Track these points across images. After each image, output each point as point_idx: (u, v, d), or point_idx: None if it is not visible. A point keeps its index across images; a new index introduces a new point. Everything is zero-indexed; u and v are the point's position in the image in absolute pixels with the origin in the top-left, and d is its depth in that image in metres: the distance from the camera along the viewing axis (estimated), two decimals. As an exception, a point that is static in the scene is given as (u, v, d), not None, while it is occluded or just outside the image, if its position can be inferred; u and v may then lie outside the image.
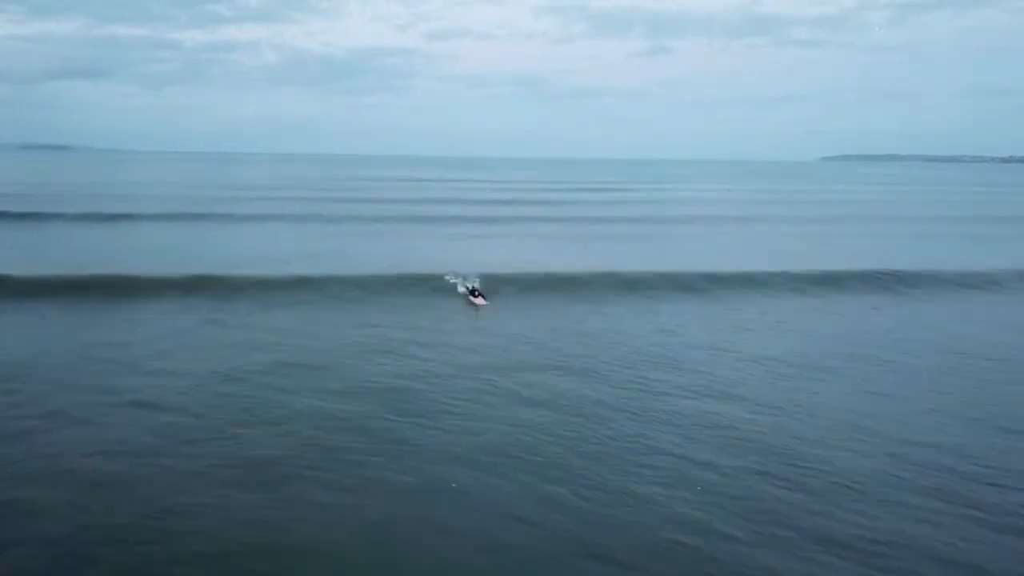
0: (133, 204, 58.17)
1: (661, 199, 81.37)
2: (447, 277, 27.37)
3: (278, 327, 21.21)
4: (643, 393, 15.77)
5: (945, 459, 12.59)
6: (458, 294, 25.94)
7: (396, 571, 9.30)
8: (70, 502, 10.71)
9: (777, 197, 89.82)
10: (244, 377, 16.41)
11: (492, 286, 26.29)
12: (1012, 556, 9.80)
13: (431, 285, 26.96)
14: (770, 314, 24.40)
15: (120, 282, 25.79)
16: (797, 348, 19.92)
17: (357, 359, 18.02)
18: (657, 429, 13.74)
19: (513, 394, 15.61)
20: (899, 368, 18.23)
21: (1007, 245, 43.09)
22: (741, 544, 9.89)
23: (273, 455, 12.38)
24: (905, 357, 19.17)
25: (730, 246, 41.16)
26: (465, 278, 26.83)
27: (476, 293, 25.39)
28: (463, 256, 34.18)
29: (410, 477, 11.66)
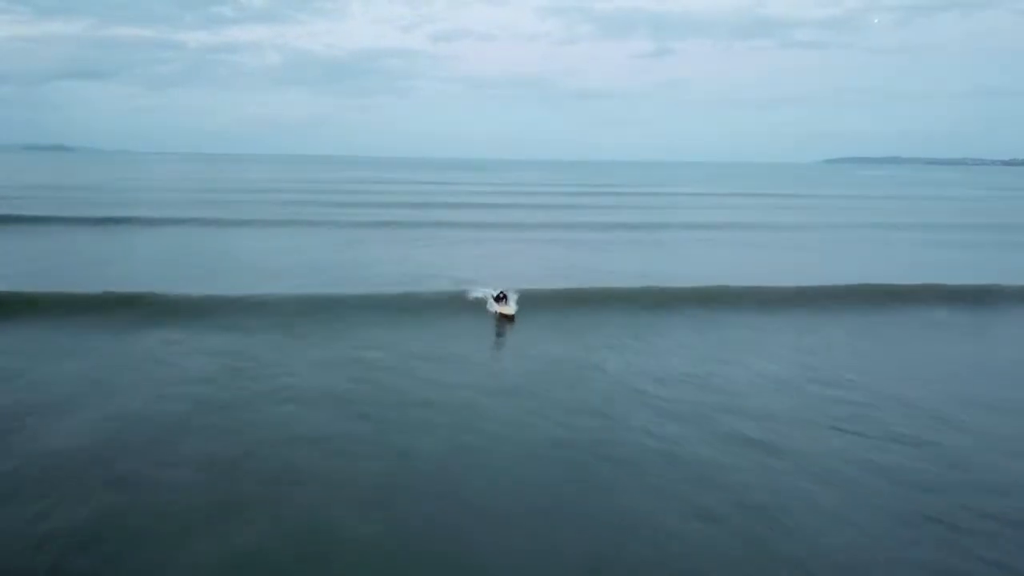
0: (134, 208, 57.68)
1: (662, 205, 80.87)
2: (472, 293, 25.67)
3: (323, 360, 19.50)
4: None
5: None
6: (487, 309, 24.13)
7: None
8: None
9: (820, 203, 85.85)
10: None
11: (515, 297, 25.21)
12: None
13: (452, 298, 25.88)
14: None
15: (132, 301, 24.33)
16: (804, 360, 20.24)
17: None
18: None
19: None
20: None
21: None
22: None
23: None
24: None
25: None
26: (483, 289, 25.53)
27: (502, 298, 23.51)
28: (473, 264, 33.89)
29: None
